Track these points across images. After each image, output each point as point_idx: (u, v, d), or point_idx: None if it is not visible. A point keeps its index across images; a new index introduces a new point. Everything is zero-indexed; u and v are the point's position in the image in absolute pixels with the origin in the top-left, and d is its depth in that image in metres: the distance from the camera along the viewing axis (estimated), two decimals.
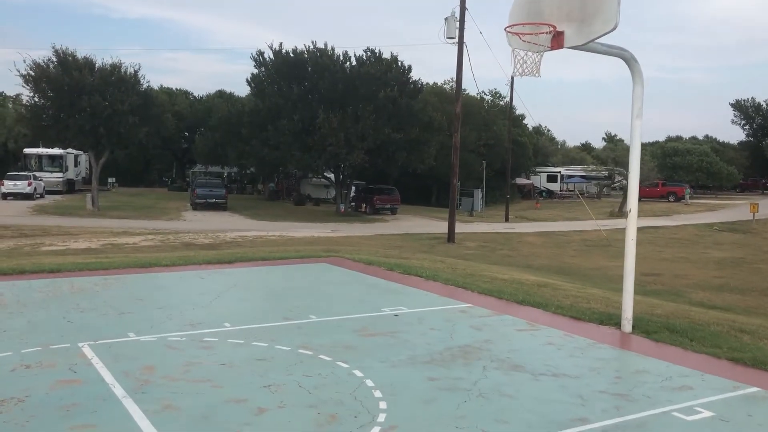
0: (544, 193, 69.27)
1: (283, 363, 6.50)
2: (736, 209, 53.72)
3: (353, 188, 46.82)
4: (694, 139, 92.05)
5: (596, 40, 7.51)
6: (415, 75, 41.64)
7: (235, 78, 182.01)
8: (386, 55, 41.08)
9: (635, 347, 7.54)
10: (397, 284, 11.00)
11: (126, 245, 23.75)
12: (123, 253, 20.25)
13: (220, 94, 63.47)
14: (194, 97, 67.37)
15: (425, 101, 41.60)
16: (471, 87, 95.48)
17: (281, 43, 40.66)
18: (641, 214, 52.87)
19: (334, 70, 38.57)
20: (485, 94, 64.20)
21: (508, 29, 7.74)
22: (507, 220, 45.11)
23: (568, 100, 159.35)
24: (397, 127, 39.09)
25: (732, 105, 78.55)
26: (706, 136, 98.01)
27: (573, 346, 7.46)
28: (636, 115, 8.20)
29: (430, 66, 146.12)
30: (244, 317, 8.42)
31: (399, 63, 41.10)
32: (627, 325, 8.26)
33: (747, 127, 78.64)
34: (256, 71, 41.41)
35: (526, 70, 7.56)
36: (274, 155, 38.55)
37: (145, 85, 37.78)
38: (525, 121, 69.84)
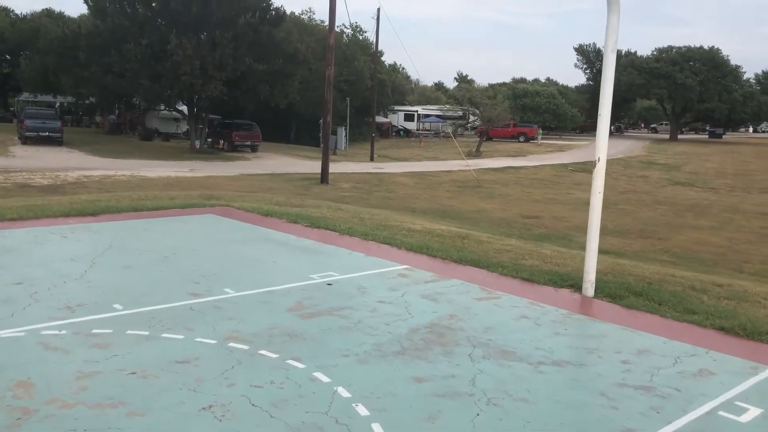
0: (401, 132, 69.23)
1: (216, 366, 4.84)
2: (583, 149, 56.70)
3: (209, 123, 43.44)
4: (537, 81, 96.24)
5: None
6: (276, 2, 38.60)
7: None
8: None
9: (613, 317, 6.66)
10: (310, 241, 9.43)
11: None
12: None
13: (48, 13, 55.88)
14: (16, 15, 58.67)
15: (289, 31, 38.90)
16: (341, 19, 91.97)
17: None
18: (497, 154, 54.04)
19: None
20: (345, 27, 61.97)
21: None
22: (372, 159, 44.23)
23: (419, 39, 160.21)
24: (259, 57, 36.31)
25: (576, 49, 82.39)
26: (548, 79, 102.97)
27: (549, 319, 6.43)
28: (611, 49, 7.12)
29: None
30: (139, 294, 6.52)
31: None
32: (590, 289, 7.39)
33: (588, 71, 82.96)
34: None
35: None
36: (118, 84, 34.40)
37: None
38: (383, 59, 68.85)
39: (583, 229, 20.65)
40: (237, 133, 41.37)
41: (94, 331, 5.42)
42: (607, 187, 32.49)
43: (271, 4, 38.07)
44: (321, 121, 53.23)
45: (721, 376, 5.17)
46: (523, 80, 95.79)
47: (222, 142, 41.07)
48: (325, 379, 4.69)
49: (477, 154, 52.77)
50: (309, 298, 6.63)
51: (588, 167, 42.63)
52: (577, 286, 7.62)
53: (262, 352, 5.15)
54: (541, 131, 61.95)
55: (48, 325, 5.49)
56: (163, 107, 44.77)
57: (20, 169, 26.72)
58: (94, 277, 7.00)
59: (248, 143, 42.01)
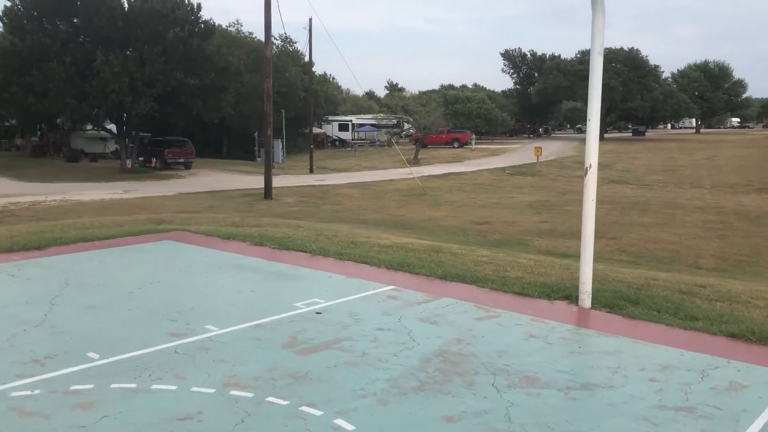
0: (336, 142, 68.80)
1: (223, 422, 4.30)
2: (515, 153, 57.63)
3: (139, 141, 41.86)
4: (465, 87, 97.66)
5: None
6: (204, 15, 37.57)
7: None
8: None
9: (621, 330, 6.43)
10: (283, 265, 8.89)
11: None
12: None
13: None
14: None
15: (219, 44, 37.92)
16: (259, 32, 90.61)
17: None
18: (434, 160, 54.35)
19: (112, 5, 33.33)
20: (275, 38, 61.06)
21: None
22: (312, 171, 43.62)
23: (347, 49, 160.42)
24: (190, 71, 35.22)
25: (502, 54, 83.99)
26: (475, 85, 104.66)
27: (558, 336, 6.14)
28: (598, 52, 6.94)
29: (207, 7, 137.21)
30: (113, 339, 5.86)
31: (186, 0, 36.85)
32: (587, 300, 7.16)
33: (515, 75, 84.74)
34: (8, 4, 34.42)
35: None
36: (41, 105, 32.63)
37: None
38: (314, 69, 68.18)
39: (535, 233, 20.78)
40: (170, 150, 40.01)
41: (73, 387, 4.77)
42: (547, 188, 33.06)
43: (200, 17, 37.04)
44: (255, 134, 52.28)
45: (755, 388, 4.99)
46: (451, 86, 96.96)
47: (154, 160, 39.60)
48: (349, 426, 4.23)
49: (415, 161, 52.82)
50: (302, 330, 6.12)
51: (524, 170, 43.34)
52: (571, 297, 7.39)
53: (270, 399, 4.63)
54: (474, 136, 62.69)
55: (16, 385, 4.80)
56: (89, 127, 42.87)
57: None
58: (58, 322, 6.28)
59: (182, 160, 40.70)
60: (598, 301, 7.21)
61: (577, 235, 20.69)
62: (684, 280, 8.96)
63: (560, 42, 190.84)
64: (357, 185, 34.59)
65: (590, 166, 7.11)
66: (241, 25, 58.99)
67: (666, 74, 78.92)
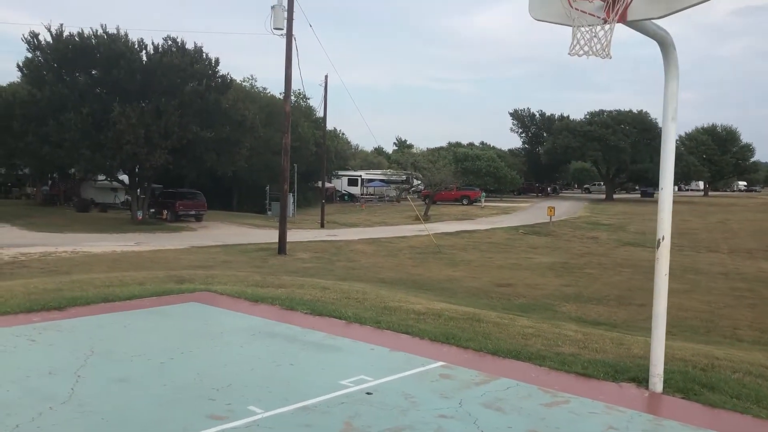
0: (345, 197, 68.78)
1: None
2: (526, 212, 57.36)
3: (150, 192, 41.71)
4: (472, 145, 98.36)
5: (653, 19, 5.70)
6: (221, 69, 37.78)
7: None
8: (189, 45, 36.95)
9: (708, 422, 5.82)
10: (320, 334, 8.32)
11: None
12: None
13: None
14: None
15: (235, 98, 38.13)
16: (272, 87, 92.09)
17: (61, 25, 34.59)
18: (445, 217, 53.97)
19: (132, 58, 33.62)
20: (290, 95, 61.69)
21: None
22: (323, 225, 43.31)
23: (354, 106, 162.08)
24: (206, 124, 35.29)
25: (510, 114, 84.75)
26: (482, 143, 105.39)
27: (641, 429, 5.54)
28: (671, 117, 6.55)
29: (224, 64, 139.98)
30: (149, 421, 5.28)
31: (205, 55, 37.22)
32: (658, 384, 6.56)
33: (523, 135, 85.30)
34: (29, 55, 34.77)
35: (594, 49, 5.47)
36: (56, 154, 32.57)
37: None
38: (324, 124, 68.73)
39: (560, 297, 20.17)
40: (181, 202, 39.82)
41: None
42: (563, 250, 32.49)
43: (218, 71, 37.32)
44: (267, 188, 52.18)
45: None
46: (459, 144, 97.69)
47: (165, 212, 39.34)
48: None
49: (425, 218, 52.56)
50: (355, 416, 5.53)
51: (537, 229, 42.91)
52: (638, 379, 6.79)
53: None
54: (484, 194, 62.58)
55: None
56: (100, 177, 42.81)
57: None
58: (86, 398, 5.71)
59: (193, 212, 40.49)
60: (669, 385, 6.62)
61: (602, 300, 20.09)
62: (747, 359, 8.36)
63: (568, 102, 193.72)
64: (370, 241, 34.14)
65: (663, 238, 6.61)
66: (255, 80, 59.61)
67: None
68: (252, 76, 69.61)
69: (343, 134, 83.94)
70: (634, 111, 73.92)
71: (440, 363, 7.15)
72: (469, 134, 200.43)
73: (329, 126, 68.74)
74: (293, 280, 14.40)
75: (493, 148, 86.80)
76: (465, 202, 63.59)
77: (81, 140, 31.70)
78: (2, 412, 5.32)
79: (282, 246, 27.05)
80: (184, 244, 29.90)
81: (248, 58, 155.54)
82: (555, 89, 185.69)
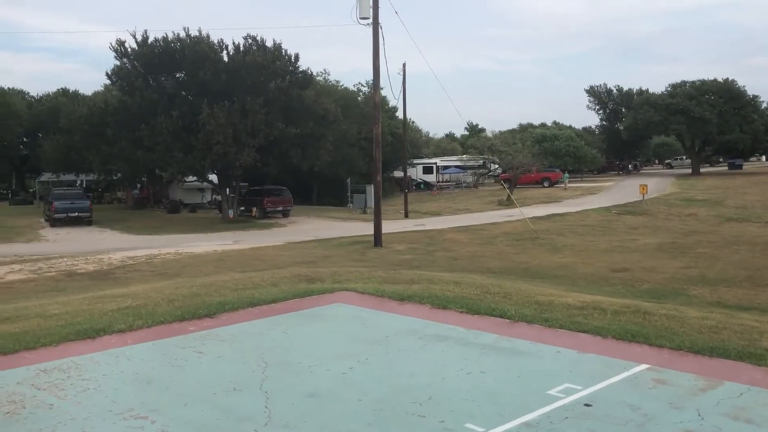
0: (421, 185, 68.15)
1: None
2: (612, 191, 55.32)
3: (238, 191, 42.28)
4: (543, 125, 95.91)
5: None
6: (302, 64, 37.75)
7: (66, 77, 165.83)
8: (269, 43, 37.04)
9: None
10: (491, 336, 7.77)
11: None
12: (5, 296, 15.18)
13: (64, 93, 55.28)
14: (32, 97, 57.99)
15: (317, 92, 38.03)
16: (345, 79, 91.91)
17: (146, 30, 35.19)
18: (530, 201, 52.67)
19: (216, 59, 33.93)
20: (362, 85, 61.54)
21: None
22: (407, 215, 42.84)
23: (421, 92, 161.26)
24: (290, 121, 35.30)
25: (587, 91, 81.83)
26: (555, 122, 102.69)
27: None
28: None
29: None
30: None
31: (284, 51, 37.21)
32: None
33: (601, 111, 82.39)
34: (117, 63, 35.59)
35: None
36: (149, 158, 33.23)
37: None
38: (397, 114, 68.23)
39: (685, 280, 18.98)
40: (269, 199, 40.14)
41: None
42: (665, 229, 30.82)
43: (298, 67, 37.26)
44: (348, 180, 52.16)
45: None
46: (531, 125, 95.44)
47: (254, 210, 39.76)
48: None
49: (508, 202, 51.41)
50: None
51: (630, 209, 41.20)
52: None
53: None
54: (567, 175, 60.76)
55: None
56: (189, 178, 43.66)
57: (58, 254, 25.37)
58: (288, 418, 5.34)
59: (280, 209, 40.78)
60: None
61: (733, 282, 18.81)
62: None
63: (635, 76, 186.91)
64: (462, 229, 33.44)
65: None
66: (329, 74, 59.59)
67: (764, 104, 74.94)
68: (325, 70, 69.65)
69: (413, 123, 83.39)
70: (719, 80, 70.16)
71: (644, 366, 6.48)
72: (538, 115, 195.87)
73: (400, 114, 68.24)
74: (417, 274, 13.94)
75: (570, 127, 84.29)
76: (546, 184, 61.96)
77: (173, 143, 32.23)
78: None
79: (378, 238, 26.70)
80: (279, 240, 30.00)
81: (314, 52, 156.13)
82: (622, 64, 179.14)
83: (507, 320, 8.40)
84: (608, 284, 18.12)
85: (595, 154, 70.95)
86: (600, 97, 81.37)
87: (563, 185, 59.37)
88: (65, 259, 23.68)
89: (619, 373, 6.30)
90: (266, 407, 5.60)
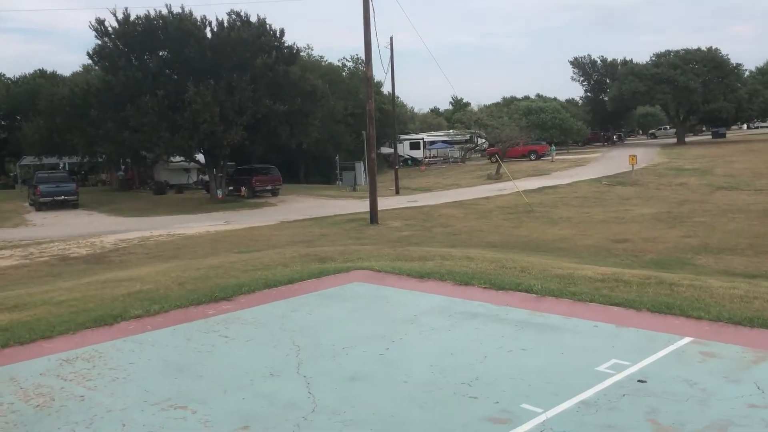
0: (408, 161, 67.80)
1: None
2: (600, 162, 55.36)
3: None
4: (527, 98, 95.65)
5: None
6: (287, 40, 37.03)
7: (37, 59, 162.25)
8: (252, 19, 36.31)
9: None
10: (522, 311, 7.60)
11: None
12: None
13: (42, 74, 53.96)
14: (9, 79, 56.51)
15: (311, 68, 37.45)
16: (329, 54, 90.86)
17: (126, 8, 34.32)
18: (518, 174, 52.55)
19: (200, 36, 33.20)
20: (347, 60, 60.80)
21: None
22: (398, 192, 42.58)
23: (406, 68, 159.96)
24: (278, 97, 34.73)
25: (571, 62, 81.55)
26: (538, 95, 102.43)
27: None
28: None
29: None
30: (420, 427, 4.65)
31: (269, 26, 36.52)
32: None
33: (585, 83, 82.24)
34: (99, 43, 34.70)
35: None
36: (136, 139, 32.57)
37: None
38: (382, 89, 67.54)
39: (686, 249, 18.96)
40: (257, 178, 39.64)
41: None
42: (658, 199, 30.83)
43: (284, 42, 36.61)
44: (336, 158, 51.67)
45: None
46: (514, 98, 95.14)
47: (243, 189, 39.28)
48: None
49: (497, 176, 51.33)
50: (652, 411, 4.79)
51: (620, 180, 41.27)
52: None
53: None
54: (554, 148, 60.70)
55: None
56: (175, 159, 42.97)
57: (48, 239, 24.85)
58: (334, 404, 5.12)
59: (269, 188, 40.32)
60: None
61: (735, 250, 18.83)
62: None
63: (620, 47, 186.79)
64: (455, 205, 33.29)
65: None
66: (312, 49, 58.76)
67: (747, 73, 75.20)
68: (308, 45, 68.65)
69: (398, 98, 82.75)
70: (703, 49, 70.22)
71: (687, 339, 6.34)
72: (522, 88, 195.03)
73: (386, 90, 67.61)
74: (426, 251, 13.75)
75: (555, 99, 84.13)
76: (533, 157, 61.92)
77: (159, 123, 31.59)
78: (259, 425, 4.76)
79: (374, 215, 26.44)
80: (272, 219, 29.64)
81: (298, 28, 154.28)
82: (605, 34, 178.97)
83: (533, 295, 8.23)
84: (611, 255, 18.07)
85: (581, 125, 70.99)
86: (584, 68, 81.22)
87: (550, 158, 59.33)
88: (56, 244, 23.21)
89: (664, 347, 6.16)
90: (309, 393, 5.38)
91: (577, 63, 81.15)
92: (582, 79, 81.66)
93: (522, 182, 44.58)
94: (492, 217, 28.25)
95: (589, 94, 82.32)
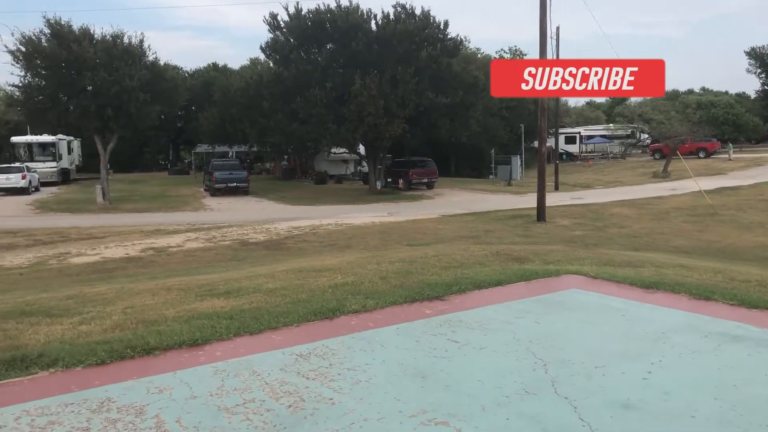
0: (563, 156, 65.34)
1: None
2: None
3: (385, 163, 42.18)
4: (690, 91, 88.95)
5: None
6: (451, 31, 36.59)
7: (208, 53, 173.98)
8: (417, 11, 36.21)
9: None
10: None
11: (170, 249, 19.13)
12: (191, 264, 15.54)
13: (215, 68, 57.42)
14: (186, 72, 60.70)
15: (467, 60, 36.89)
16: (486, 46, 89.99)
17: (298, 2, 35.41)
18: (686, 174, 49.14)
19: (367, 29, 33.58)
20: (505, 52, 59.49)
21: None
22: (557, 188, 41.03)
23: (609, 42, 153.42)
24: (440, 90, 34.46)
25: (747, 53, 74.70)
26: (703, 89, 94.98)
27: None
28: None
29: None
30: None
31: (433, 18, 36.27)
32: None
33: (763, 75, 75.06)
34: (271, 36, 36.18)
35: None
36: (304, 129, 33.62)
37: (151, 57, 32.36)
38: None
39: None
40: (414, 170, 39.80)
41: None
42: None
43: (447, 34, 36.23)
44: (492, 151, 50.73)
45: None
46: (676, 92, 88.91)
47: (401, 181, 39.55)
48: None
49: (665, 174, 48.09)
50: None
51: None
52: None
53: None
54: (732, 146, 55.93)
55: None
56: (334, 150, 44.08)
57: (226, 223, 26.17)
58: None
59: (425, 180, 40.34)
60: None
61: None
62: None
63: None
64: (625, 204, 31.44)
65: None
66: (469, 41, 57.96)
67: None
68: (466, 37, 67.86)
69: None
70: None
71: None
72: (683, 80, 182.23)
73: None
74: (632, 256, 12.76)
75: (726, 93, 77.60)
76: (702, 155, 57.46)
77: (326, 115, 32.36)
78: None
79: (541, 212, 25.48)
80: (432, 213, 29.44)
81: (455, 20, 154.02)
82: None
83: None
84: None
85: (758, 122, 65.03)
86: (763, 58, 74.18)
87: (728, 156, 54.80)
88: (234, 228, 24.33)
89: None
90: (581, 419, 4.80)
91: (754, 53, 74.34)
92: (759, 71, 74.68)
93: (694, 182, 41.56)
94: (671, 219, 26.31)
95: (767, 87, 75.15)
